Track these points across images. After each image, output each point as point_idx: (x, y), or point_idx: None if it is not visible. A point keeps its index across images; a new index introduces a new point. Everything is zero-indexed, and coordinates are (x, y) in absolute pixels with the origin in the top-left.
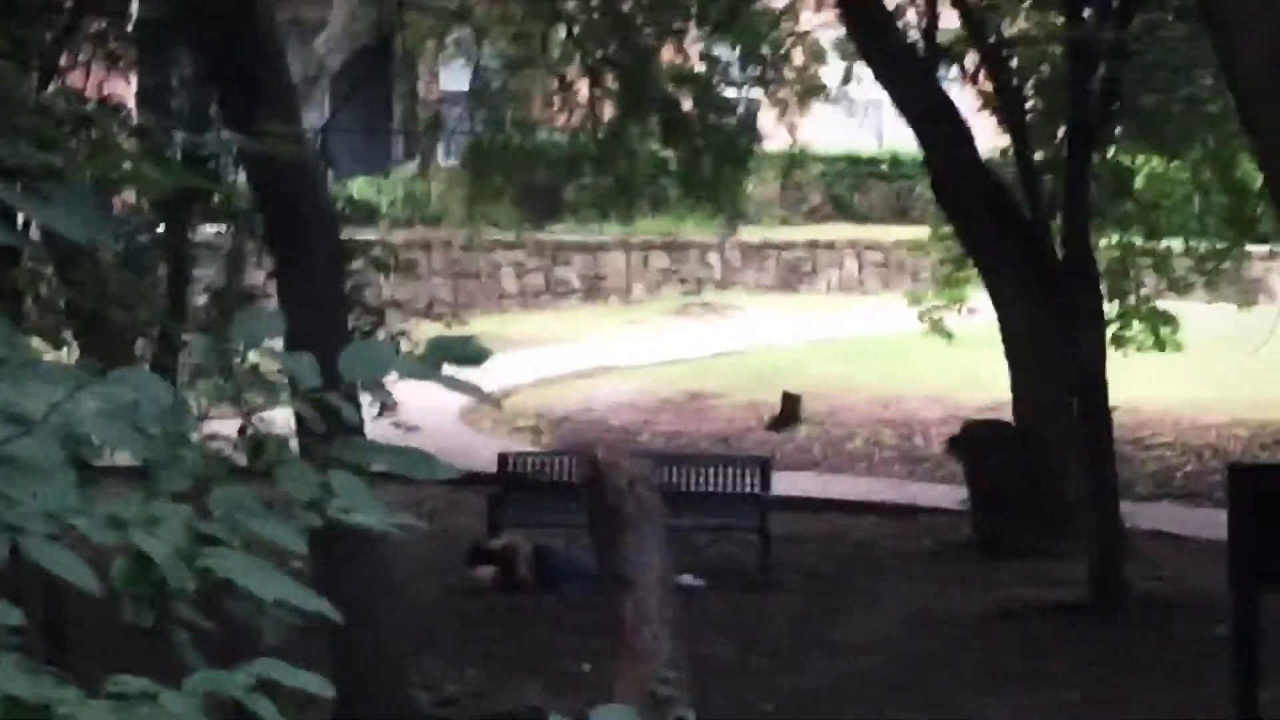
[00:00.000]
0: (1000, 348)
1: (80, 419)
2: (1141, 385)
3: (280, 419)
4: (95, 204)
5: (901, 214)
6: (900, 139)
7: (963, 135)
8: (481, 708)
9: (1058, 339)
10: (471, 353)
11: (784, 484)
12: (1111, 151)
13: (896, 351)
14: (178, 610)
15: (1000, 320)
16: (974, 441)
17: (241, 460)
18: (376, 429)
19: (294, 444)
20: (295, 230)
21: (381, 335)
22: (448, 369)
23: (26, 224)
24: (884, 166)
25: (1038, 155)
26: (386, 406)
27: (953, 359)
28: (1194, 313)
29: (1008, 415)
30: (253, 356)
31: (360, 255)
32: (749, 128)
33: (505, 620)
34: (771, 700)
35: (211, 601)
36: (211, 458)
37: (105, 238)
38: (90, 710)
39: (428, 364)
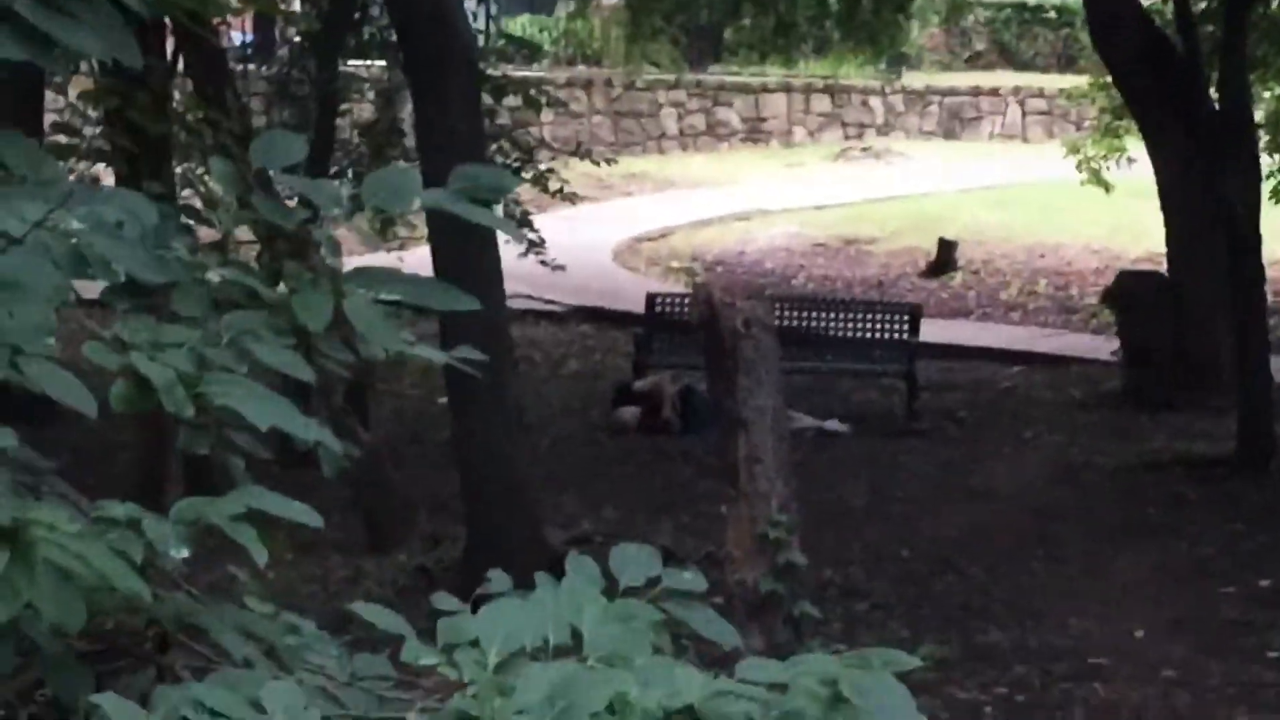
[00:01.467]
0: (1157, 199)
1: (88, 239)
2: None
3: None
4: (122, 25)
5: (1068, 62)
6: None
7: None
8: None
9: (1212, 191)
10: (496, 183)
11: (936, 331)
12: (1275, 2)
13: (1056, 201)
14: (234, 439)
15: (1156, 171)
16: (1127, 293)
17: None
18: (523, 266)
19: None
20: (431, 63)
21: (529, 174)
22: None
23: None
24: (1050, 13)
25: (1198, 4)
26: (533, 244)
27: (1112, 209)
28: None
29: (1164, 267)
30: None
31: (513, 92)
32: None
33: (647, 461)
34: (907, 546)
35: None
36: (231, 283)
37: (130, 60)
38: (61, 533)
39: (453, 195)
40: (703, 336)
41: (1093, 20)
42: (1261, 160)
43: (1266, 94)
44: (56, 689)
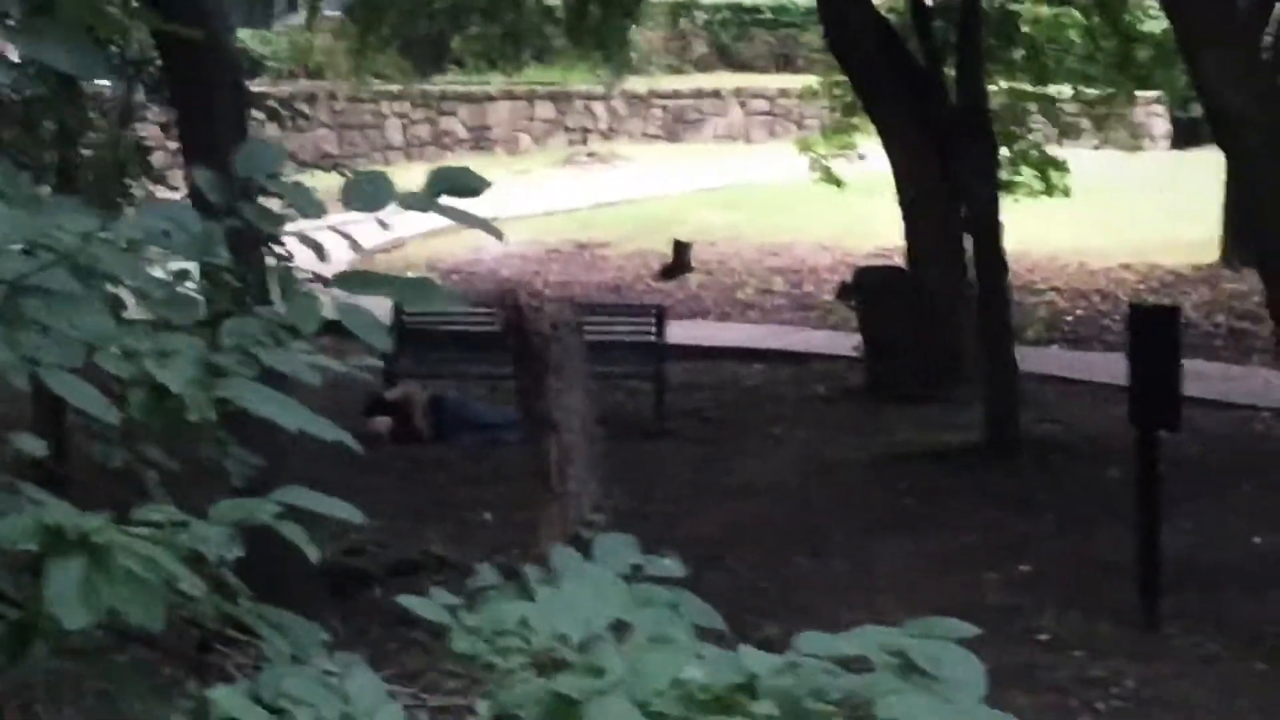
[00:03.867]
0: (889, 195)
1: (97, 254)
2: (1031, 231)
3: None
4: (88, 41)
5: (785, 62)
6: None
7: None
8: (387, 556)
9: (951, 186)
10: (471, 184)
11: (676, 332)
12: None
13: (785, 200)
14: (146, 452)
15: (893, 168)
16: (867, 288)
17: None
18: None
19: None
20: (198, 79)
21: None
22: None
23: None
24: (768, 14)
25: (930, 1)
26: (280, 259)
27: (839, 207)
28: (1081, 158)
29: (897, 262)
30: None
31: (256, 106)
32: None
33: (403, 470)
34: (671, 546)
35: (170, 446)
36: (220, 289)
37: (101, 74)
38: (128, 538)
39: (428, 196)
40: (509, 341)
41: (826, 20)
42: None
43: (993, 88)
44: (116, 689)
